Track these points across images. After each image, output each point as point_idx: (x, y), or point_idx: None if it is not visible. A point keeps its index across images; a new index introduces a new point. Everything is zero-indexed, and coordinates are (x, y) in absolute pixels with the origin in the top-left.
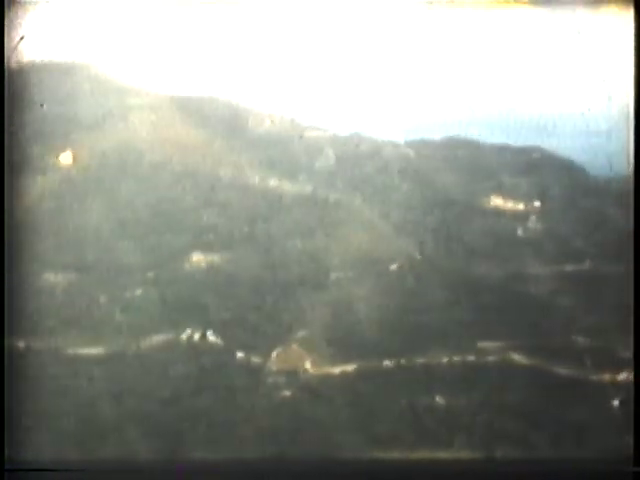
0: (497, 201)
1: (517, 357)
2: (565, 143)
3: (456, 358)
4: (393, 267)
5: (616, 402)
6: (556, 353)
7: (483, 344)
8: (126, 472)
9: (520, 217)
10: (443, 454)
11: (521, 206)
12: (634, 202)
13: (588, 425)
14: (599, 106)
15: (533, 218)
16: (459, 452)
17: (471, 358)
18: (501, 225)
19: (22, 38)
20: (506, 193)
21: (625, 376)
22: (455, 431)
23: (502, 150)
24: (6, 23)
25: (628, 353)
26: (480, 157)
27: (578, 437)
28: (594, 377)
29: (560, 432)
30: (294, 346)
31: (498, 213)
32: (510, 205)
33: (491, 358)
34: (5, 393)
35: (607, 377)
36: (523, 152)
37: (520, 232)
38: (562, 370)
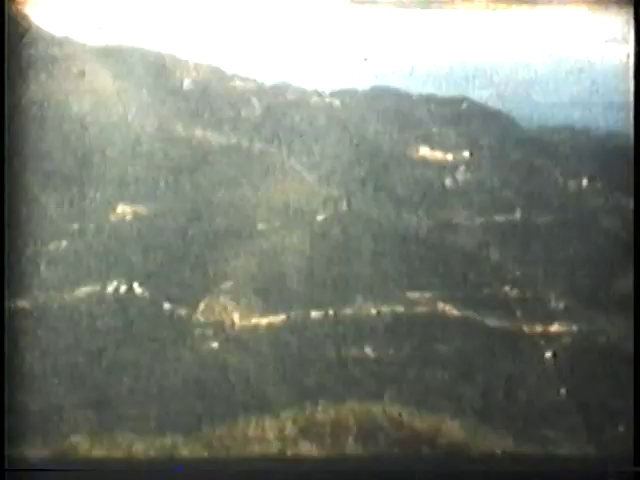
0: (425, 151)
1: (447, 308)
2: (494, 93)
3: (385, 309)
4: (320, 218)
5: (548, 354)
6: (486, 304)
7: (412, 295)
8: (126, 472)
9: (449, 167)
10: (372, 406)
11: (450, 156)
12: (634, 195)
13: (520, 377)
14: (529, 55)
15: (462, 168)
16: (389, 405)
17: (400, 309)
18: (429, 175)
19: (22, 38)
20: (434, 143)
21: (557, 328)
22: (385, 383)
23: (430, 100)
24: (6, 22)
25: (560, 304)
26: (407, 107)
27: (509, 389)
28: (525, 328)
29: (491, 384)
30: (221, 297)
31: (426, 163)
32: (438, 155)
33: (420, 309)
34: None
35: (539, 329)
36: (451, 102)
37: (449, 182)
38: (493, 321)
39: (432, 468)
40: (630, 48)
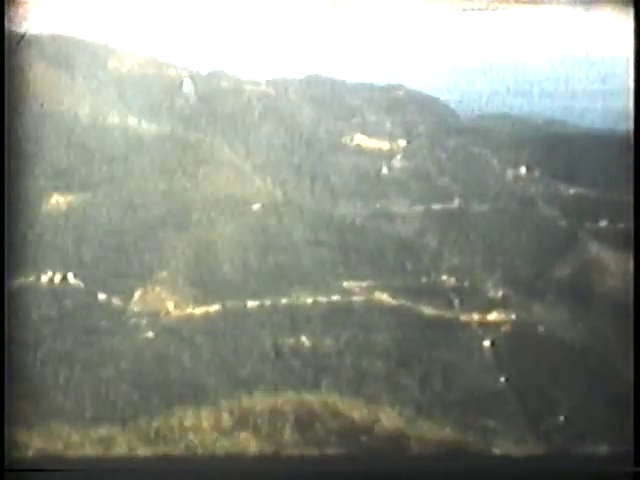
0: (361, 139)
1: (384, 297)
2: (431, 82)
3: (321, 298)
4: (255, 207)
5: (487, 343)
6: (424, 293)
7: (348, 284)
8: (126, 472)
9: (385, 156)
10: (309, 396)
11: (386, 145)
12: (634, 196)
13: (458, 366)
14: (467, 42)
15: (398, 157)
16: (326, 394)
17: (336, 298)
18: (365, 164)
19: (22, 38)
20: (370, 131)
21: (495, 316)
22: (321, 372)
23: (365, 88)
24: (6, 22)
25: (498, 293)
26: (343, 95)
27: (447, 378)
28: (463, 317)
29: (429, 373)
30: (156, 287)
31: (362, 152)
32: (374, 143)
33: (356, 298)
34: None
35: (477, 317)
36: (387, 90)
37: (385, 171)
38: (430, 310)
39: (432, 468)
40: (630, 47)
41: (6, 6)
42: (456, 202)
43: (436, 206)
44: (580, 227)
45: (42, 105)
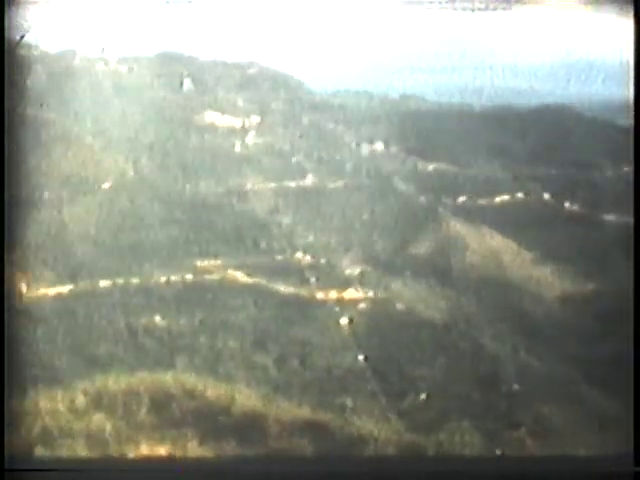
0: (214, 117)
1: (238, 275)
2: (285, 58)
3: (174, 277)
4: (106, 185)
5: (344, 320)
6: (279, 271)
7: (202, 263)
8: (125, 472)
9: (238, 133)
10: (164, 376)
11: (239, 121)
12: (634, 198)
13: (315, 344)
14: (323, 20)
15: (252, 134)
16: (181, 374)
17: (190, 277)
18: (218, 141)
19: (22, 37)
20: (223, 109)
21: (352, 294)
22: (176, 352)
23: (217, 65)
24: (6, 22)
25: (355, 270)
26: (195, 73)
27: (305, 357)
28: (320, 295)
29: (286, 352)
30: (8, 268)
31: (215, 129)
32: (227, 121)
33: (211, 277)
34: None
35: (333, 295)
36: (239, 67)
37: (238, 148)
38: (286, 288)
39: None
40: (630, 47)
41: (6, 6)
42: (310, 179)
43: (290, 183)
44: (439, 203)
45: (42, 105)
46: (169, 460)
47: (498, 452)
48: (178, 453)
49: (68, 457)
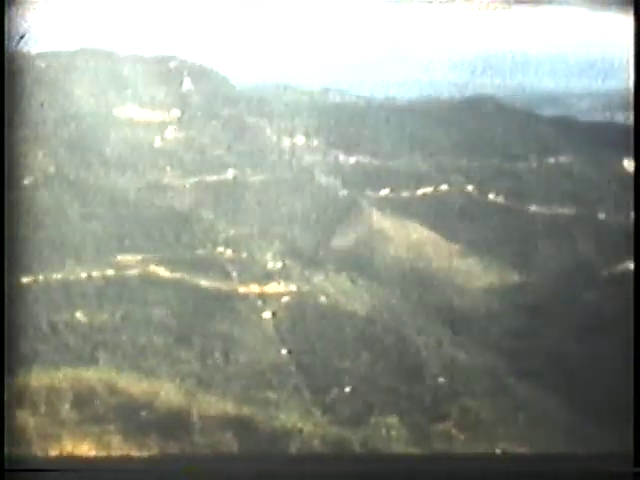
0: (133, 111)
1: (160, 270)
2: (206, 52)
3: (95, 273)
4: (26, 182)
5: (267, 315)
6: (200, 265)
7: (123, 258)
8: (125, 472)
9: (158, 127)
10: (87, 372)
11: (159, 116)
12: (634, 198)
13: (238, 339)
14: (243, 14)
15: (172, 128)
16: (104, 369)
17: (111, 272)
18: (138, 135)
19: (22, 37)
20: (143, 102)
21: (275, 288)
22: (98, 348)
23: (138, 60)
24: (6, 22)
25: (277, 264)
26: (115, 67)
27: (228, 351)
28: (242, 289)
29: (209, 347)
30: None
31: (134, 123)
32: (147, 115)
33: (132, 272)
34: None
35: (256, 289)
36: (159, 61)
37: (158, 142)
38: (207, 283)
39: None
40: (629, 45)
41: (6, 6)
42: (231, 172)
43: (211, 177)
44: (361, 196)
45: (42, 105)
46: (172, 461)
47: (498, 451)
48: (102, 449)
49: (68, 457)
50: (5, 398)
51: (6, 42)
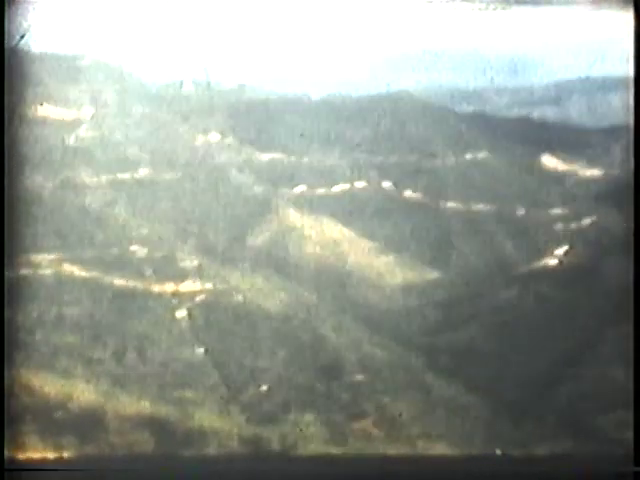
0: (47, 110)
1: (74, 269)
2: (116, 50)
3: (9, 273)
4: None
5: (182, 313)
6: (114, 264)
7: (36, 257)
8: (125, 471)
9: (71, 125)
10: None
11: (72, 114)
12: (634, 199)
13: (153, 338)
14: (155, 11)
15: (85, 126)
16: (18, 370)
17: (25, 272)
18: (51, 134)
19: (22, 37)
20: (56, 101)
21: (190, 286)
22: (13, 348)
23: (49, 58)
24: (6, 22)
25: (192, 262)
26: (26, 65)
27: (143, 351)
28: (156, 288)
29: (123, 346)
30: None
31: (47, 122)
32: (60, 113)
33: (45, 271)
34: None
35: (170, 288)
36: (71, 59)
37: (72, 141)
38: (121, 281)
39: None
40: (629, 46)
41: (6, 6)
42: (145, 171)
43: (124, 175)
44: (275, 194)
45: (42, 104)
46: (173, 461)
47: (498, 452)
48: (16, 450)
49: (68, 457)
50: None
51: (6, 42)
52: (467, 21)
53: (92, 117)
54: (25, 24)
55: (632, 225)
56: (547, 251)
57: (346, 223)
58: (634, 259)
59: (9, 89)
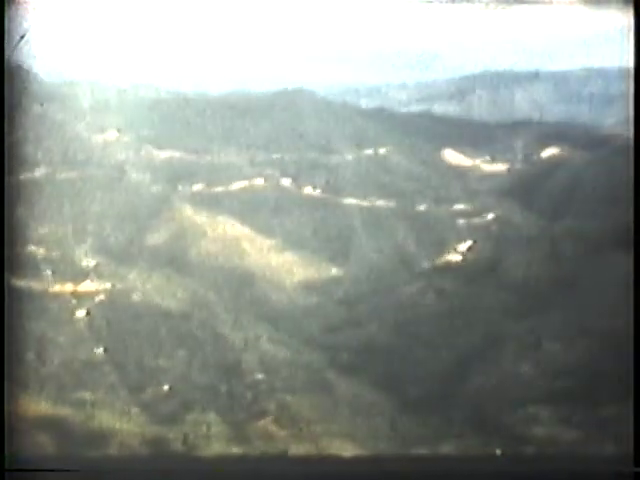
0: None
1: None
2: (13, 48)
3: None
4: None
5: (81, 313)
6: (12, 264)
7: None
8: (125, 472)
9: None
10: None
11: None
12: (634, 197)
13: (52, 339)
14: (53, 9)
15: None
16: None
17: None
18: None
19: (22, 37)
20: None
21: (88, 286)
22: None
23: None
24: (6, 22)
25: (90, 262)
26: None
27: (41, 352)
28: (55, 288)
29: (22, 346)
30: None
31: None
32: None
33: None
34: None
35: (69, 288)
36: None
37: None
38: (20, 282)
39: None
40: (630, 47)
41: (6, 6)
42: (41, 170)
43: (20, 175)
44: (173, 192)
45: (42, 104)
46: (171, 461)
47: (498, 452)
48: None
49: (68, 457)
50: None
51: (6, 42)
52: (371, 18)
53: None
54: (25, 24)
55: (632, 225)
56: (450, 247)
57: (245, 221)
58: (634, 258)
59: None
